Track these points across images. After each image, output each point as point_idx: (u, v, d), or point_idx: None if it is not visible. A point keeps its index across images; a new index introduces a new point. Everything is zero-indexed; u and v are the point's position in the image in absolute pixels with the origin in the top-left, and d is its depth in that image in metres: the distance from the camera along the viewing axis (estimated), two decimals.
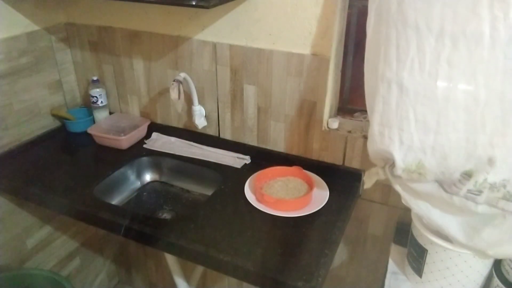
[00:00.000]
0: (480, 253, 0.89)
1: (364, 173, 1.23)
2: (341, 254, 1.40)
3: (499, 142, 0.74)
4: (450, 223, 0.89)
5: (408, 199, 0.92)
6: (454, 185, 0.81)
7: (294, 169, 1.25)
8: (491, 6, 0.67)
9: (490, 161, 0.75)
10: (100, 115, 1.55)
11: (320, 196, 1.16)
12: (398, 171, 0.85)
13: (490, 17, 0.68)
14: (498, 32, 0.68)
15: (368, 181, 1.01)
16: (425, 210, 0.91)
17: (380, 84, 0.83)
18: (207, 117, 1.41)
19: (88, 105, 1.57)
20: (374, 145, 0.89)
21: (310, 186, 1.19)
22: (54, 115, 1.54)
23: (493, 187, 0.77)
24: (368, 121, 0.91)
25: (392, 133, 0.84)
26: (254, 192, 1.18)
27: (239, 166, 1.32)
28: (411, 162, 0.83)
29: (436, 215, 0.90)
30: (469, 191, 0.79)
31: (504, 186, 0.76)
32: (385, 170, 0.92)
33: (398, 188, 0.92)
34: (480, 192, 0.78)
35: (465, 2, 0.69)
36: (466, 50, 0.72)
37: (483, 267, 0.93)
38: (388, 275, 1.09)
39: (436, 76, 0.75)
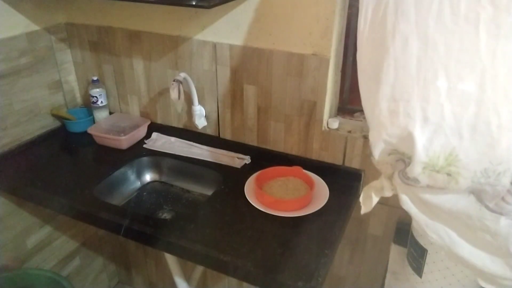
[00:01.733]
0: None
1: (363, 174, 1.23)
2: (341, 254, 1.40)
3: None
4: (486, 262, 0.62)
5: (422, 222, 0.64)
6: (503, 199, 0.55)
7: (294, 169, 1.25)
8: None
9: None
10: (100, 115, 1.55)
11: (320, 196, 1.16)
12: (417, 168, 0.59)
13: None
14: None
15: (366, 202, 0.74)
16: (447, 240, 0.63)
17: (390, 43, 0.60)
18: (207, 117, 1.41)
19: (88, 105, 1.57)
20: (382, 131, 0.62)
21: (310, 186, 1.18)
22: (54, 115, 1.54)
23: None
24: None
25: (411, 107, 0.58)
26: (254, 192, 1.17)
27: (239, 166, 1.32)
28: (438, 152, 0.57)
29: (465, 250, 0.62)
30: None
31: None
32: (393, 180, 0.67)
33: (406, 202, 0.65)
34: None
35: None
36: None
37: None
38: (388, 275, 1.09)
39: (477, 22, 0.55)
